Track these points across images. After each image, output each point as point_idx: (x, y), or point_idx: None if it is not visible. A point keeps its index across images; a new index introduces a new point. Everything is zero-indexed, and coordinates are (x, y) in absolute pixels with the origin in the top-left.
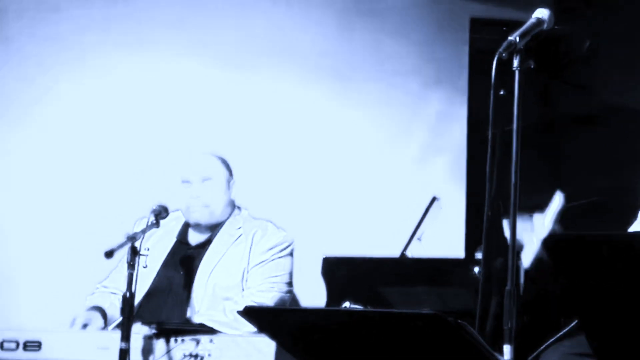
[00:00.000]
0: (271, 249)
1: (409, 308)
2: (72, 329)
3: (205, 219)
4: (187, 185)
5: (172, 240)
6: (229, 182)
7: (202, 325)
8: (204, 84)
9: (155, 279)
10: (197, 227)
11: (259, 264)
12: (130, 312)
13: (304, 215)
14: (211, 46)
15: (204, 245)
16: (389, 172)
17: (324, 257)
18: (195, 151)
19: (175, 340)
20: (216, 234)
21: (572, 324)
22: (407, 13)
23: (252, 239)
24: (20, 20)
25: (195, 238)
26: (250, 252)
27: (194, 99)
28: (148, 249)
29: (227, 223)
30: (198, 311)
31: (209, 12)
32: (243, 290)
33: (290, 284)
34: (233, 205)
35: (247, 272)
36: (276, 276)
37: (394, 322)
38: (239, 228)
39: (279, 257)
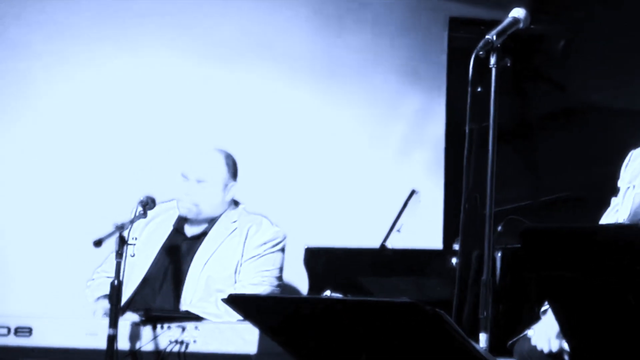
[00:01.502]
0: (265, 243)
1: (388, 297)
2: (95, 317)
3: (192, 215)
4: (184, 180)
5: (169, 228)
6: (226, 184)
7: (187, 312)
8: (197, 81)
9: (150, 267)
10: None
11: (252, 257)
12: (117, 300)
13: (290, 208)
14: (203, 44)
15: (200, 237)
16: (370, 167)
17: (306, 247)
18: (203, 147)
19: (162, 327)
20: (212, 227)
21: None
22: (387, 12)
23: (247, 233)
24: (9, 16)
25: (191, 229)
26: (244, 246)
27: (187, 96)
28: (135, 239)
29: (222, 216)
30: (190, 301)
31: (204, 11)
32: (235, 282)
33: (280, 278)
34: (230, 203)
35: (240, 265)
36: (267, 270)
37: (372, 310)
38: (234, 222)
39: (272, 252)
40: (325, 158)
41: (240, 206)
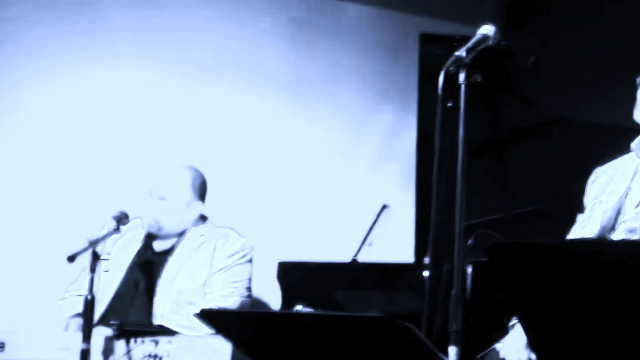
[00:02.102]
0: (233, 255)
1: (359, 311)
2: (68, 332)
3: (153, 230)
4: (149, 196)
5: (138, 244)
6: (189, 204)
7: (161, 326)
8: (170, 97)
9: (121, 282)
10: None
11: (221, 269)
12: (91, 314)
13: (262, 223)
14: (176, 61)
15: (168, 252)
16: (341, 181)
17: (279, 262)
18: (173, 165)
19: (135, 341)
20: (180, 241)
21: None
22: (359, 28)
23: (215, 245)
24: None
25: (159, 244)
26: (212, 258)
27: (161, 112)
28: (109, 254)
29: (191, 231)
30: (161, 315)
31: (176, 28)
32: (205, 294)
33: (249, 289)
34: (197, 219)
35: (210, 277)
36: (237, 281)
37: (343, 324)
38: (202, 235)
39: (240, 264)
40: (297, 173)
41: (208, 221)
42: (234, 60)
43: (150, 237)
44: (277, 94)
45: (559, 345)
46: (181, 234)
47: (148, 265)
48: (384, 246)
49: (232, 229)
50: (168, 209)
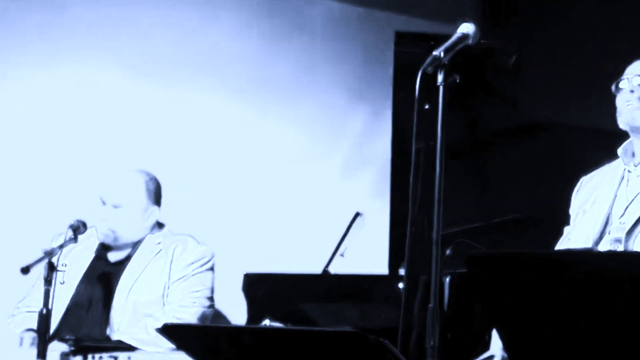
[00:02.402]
0: (192, 263)
1: (331, 325)
2: (22, 347)
3: (109, 241)
4: (102, 204)
5: (90, 256)
6: (146, 209)
7: (120, 342)
8: (128, 98)
9: (74, 296)
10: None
11: (180, 279)
12: (46, 329)
13: (226, 231)
14: (137, 60)
15: (123, 262)
16: (312, 187)
17: (245, 273)
18: (124, 170)
19: (93, 357)
20: (135, 250)
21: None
22: (332, 27)
23: (173, 254)
24: None
25: (113, 255)
26: (170, 267)
27: (117, 113)
28: (65, 265)
29: (146, 239)
30: (118, 329)
31: (136, 24)
32: (164, 305)
33: (211, 298)
34: (153, 226)
35: (168, 287)
36: (197, 291)
37: (313, 340)
38: (159, 243)
39: (200, 272)
40: (264, 179)
41: (165, 228)
42: (198, 59)
43: (104, 248)
44: (243, 95)
45: None
46: (137, 243)
47: (102, 277)
48: (357, 256)
49: (191, 236)
50: (124, 217)
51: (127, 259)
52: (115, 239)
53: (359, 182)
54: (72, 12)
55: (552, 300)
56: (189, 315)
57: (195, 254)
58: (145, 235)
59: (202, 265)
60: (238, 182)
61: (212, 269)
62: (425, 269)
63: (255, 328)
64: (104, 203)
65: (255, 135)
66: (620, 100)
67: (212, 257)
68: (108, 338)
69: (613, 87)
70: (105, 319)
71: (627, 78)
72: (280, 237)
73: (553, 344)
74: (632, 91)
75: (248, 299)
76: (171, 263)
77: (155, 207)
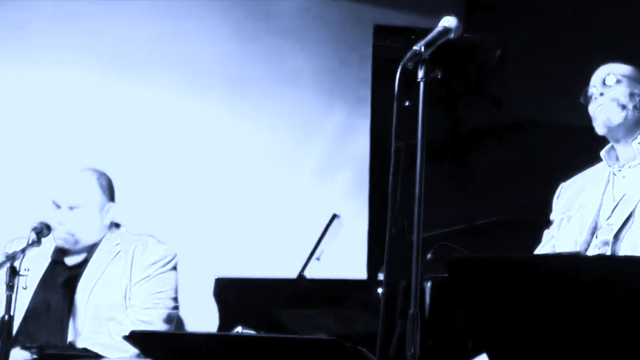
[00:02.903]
0: (154, 263)
1: (307, 332)
2: None
3: (69, 245)
4: (56, 208)
5: (46, 260)
6: (103, 207)
7: (85, 350)
8: (93, 95)
9: (31, 301)
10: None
11: (142, 280)
12: (8, 336)
13: (198, 235)
14: (97, 54)
15: (81, 265)
16: (287, 189)
17: (216, 277)
18: (73, 170)
19: None
20: (93, 253)
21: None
22: (305, 20)
23: (133, 254)
24: None
25: (70, 259)
26: (131, 268)
27: (75, 110)
28: (28, 269)
29: (104, 240)
30: (80, 334)
31: (100, 21)
32: (127, 308)
33: (176, 299)
34: (110, 225)
35: (130, 289)
36: (161, 292)
37: (289, 347)
38: (117, 244)
39: (163, 272)
40: (238, 180)
41: (123, 228)
42: (168, 58)
43: (60, 251)
44: (215, 95)
45: None
46: (94, 245)
47: (60, 282)
48: (333, 260)
49: (151, 235)
50: (82, 219)
51: (85, 262)
52: (76, 242)
53: (336, 183)
54: (33, 7)
55: (539, 305)
56: (154, 318)
57: (157, 253)
58: (103, 237)
59: (164, 265)
60: (211, 184)
61: (174, 268)
62: (405, 274)
63: (227, 335)
64: (58, 206)
65: (228, 135)
66: (592, 107)
67: (175, 256)
68: (72, 345)
69: (582, 99)
70: (65, 325)
71: (594, 86)
72: (254, 240)
73: (540, 350)
74: (601, 94)
75: (219, 305)
76: (132, 264)
77: (112, 204)
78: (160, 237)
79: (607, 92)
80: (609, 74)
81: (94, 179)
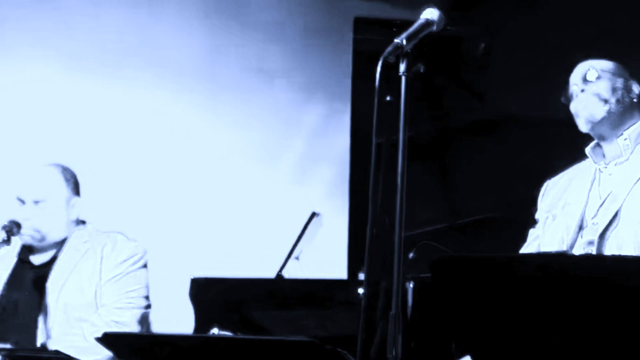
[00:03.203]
0: (124, 261)
1: (285, 334)
2: None
3: (36, 242)
4: (21, 204)
5: (12, 259)
6: (68, 201)
7: (57, 352)
8: (54, 90)
9: None
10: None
11: (113, 278)
12: None
13: (174, 236)
14: (64, 50)
15: (49, 264)
16: (265, 187)
17: (192, 277)
18: (36, 164)
19: None
20: (61, 251)
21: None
22: (283, 11)
23: (102, 252)
24: None
25: (37, 257)
26: (101, 267)
27: (44, 107)
28: None
29: (71, 238)
30: (51, 335)
31: (64, 12)
32: (97, 308)
33: (147, 297)
34: (77, 222)
35: (100, 288)
36: (132, 290)
37: (266, 349)
38: (86, 242)
39: (134, 270)
40: (215, 179)
41: (90, 225)
42: (138, 53)
43: (27, 250)
44: (191, 92)
45: None
46: (61, 243)
47: (28, 280)
48: (313, 260)
49: (121, 232)
50: (48, 213)
51: (53, 260)
52: (42, 238)
53: (315, 180)
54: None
55: (524, 306)
56: (128, 318)
57: (127, 251)
58: (70, 234)
59: (135, 263)
60: (187, 182)
61: (145, 266)
62: (386, 274)
63: (203, 337)
64: (23, 202)
65: (204, 132)
66: (574, 105)
67: (145, 253)
68: (44, 347)
69: (563, 99)
70: (34, 325)
71: (575, 84)
72: (231, 239)
73: (525, 351)
74: (582, 90)
75: (195, 306)
76: (101, 262)
77: (77, 198)
78: (136, 236)
79: (588, 88)
80: (589, 70)
81: (57, 172)
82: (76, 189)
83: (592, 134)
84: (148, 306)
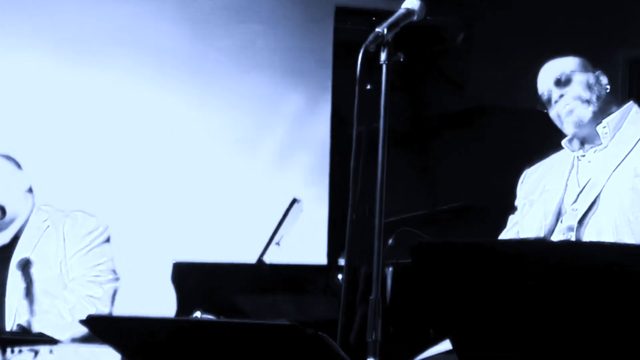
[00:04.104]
0: (88, 234)
1: (266, 318)
2: None
3: None
4: None
5: None
6: (17, 179)
7: (41, 334)
8: (41, 77)
9: None
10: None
11: (79, 252)
12: None
13: (156, 221)
14: (52, 36)
15: (11, 245)
16: (245, 173)
17: (174, 262)
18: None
19: (12, 351)
20: (22, 232)
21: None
22: (264, 2)
23: (63, 229)
24: None
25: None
26: (64, 244)
27: (27, 92)
28: None
29: (31, 218)
30: (15, 315)
31: (53, 3)
32: (66, 285)
33: (115, 271)
34: (33, 206)
35: (66, 263)
36: (100, 264)
37: (248, 333)
38: (45, 220)
39: (98, 244)
40: (195, 165)
41: (48, 207)
42: (117, 39)
43: None
44: (171, 78)
45: (489, 358)
46: (22, 226)
47: None
48: (293, 246)
49: (81, 210)
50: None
51: (15, 240)
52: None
53: (296, 167)
54: None
55: (503, 292)
56: (101, 293)
57: (88, 225)
58: (29, 216)
59: (98, 236)
60: (168, 168)
61: (108, 240)
62: (366, 259)
63: (186, 320)
64: None
65: (186, 119)
66: (555, 111)
67: (107, 228)
68: (24, 329)
69: (538, 106)
70: (1, 305)
71: (549, 89)
72: (213, 225)
73: (504, 336)
74: (561, 96)
75: (177, 290)
76: (64, 239)
77: (22, 172)
78: (119, 221)
79: (565, 92)
80: (560, 74)
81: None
82: (16, 165)
83: (576, 135)
84: (116, 279)
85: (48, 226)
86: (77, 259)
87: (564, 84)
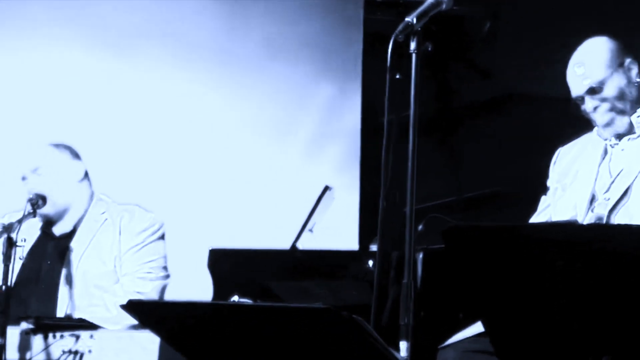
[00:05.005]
0: (143, 231)
1: (300, 303)
2: None
3: (48, 210)
4: (23, 180)
5: (35, 232)
6: (66, 163)
7: (81, 320)
8: (82, 69)
9: (20, 272)
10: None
11: (132, 248)
12: (6, 306)
13: (193, 208)
14: (83, 30)
15: (70, 235)
16: (279, 162)
17: (210, 248)
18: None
19: (54, 336)
20: (80, 222)
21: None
22: None
23: (120, 223)
24: None
25: (59, 228)
26: (120, 238)
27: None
28: (25, 240)
29: (89, 210)
30: (69, 305)
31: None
32: (118, 279)
33: (166, 268)
34: (92, 197)
35: (120, 259)
36: (152, 261)
37: (284, 316)
38: (103, 213)
39: (152, 241)
40: (230, 155)
41: (107, 198)
42: (154, 32)
43: (47, 223)
44: (204, 69)
45: (520, 340)
46: (81, 217)
47: (49, 251)
48: (326, 232)
49: (137, 205)
50: (48, 178)
51: (73, 231)
52: (53, 204)
53: (328, 156)
54: None
55: (534, 274)
56: (150, 288)
57: (144, 221)
58: (88, 206)
59: (153, 233)
60: (205, 158)
61: (162, 237)
62: (397, 245)
63: (224, 304)
64: (24, 178)
65: (219, 110)
66: (593, 119)
67: (162, 225)
68: (69, 317)
69: (572, 109)
70: (54, 294)
71: (582, 98)
72: (247, 212)
73: (535, 318)
74: (595, 108)
75: (213, 276)
76: (120, 233)
77: (77, 161)
78: (153, 209)
79: (600, 103)
80: (594, 83)
81: (46, 143)
82: (73, 154)
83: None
84: (167, 276)
85: (106, 219)
86: (130, 255)
87: (597, 92)
